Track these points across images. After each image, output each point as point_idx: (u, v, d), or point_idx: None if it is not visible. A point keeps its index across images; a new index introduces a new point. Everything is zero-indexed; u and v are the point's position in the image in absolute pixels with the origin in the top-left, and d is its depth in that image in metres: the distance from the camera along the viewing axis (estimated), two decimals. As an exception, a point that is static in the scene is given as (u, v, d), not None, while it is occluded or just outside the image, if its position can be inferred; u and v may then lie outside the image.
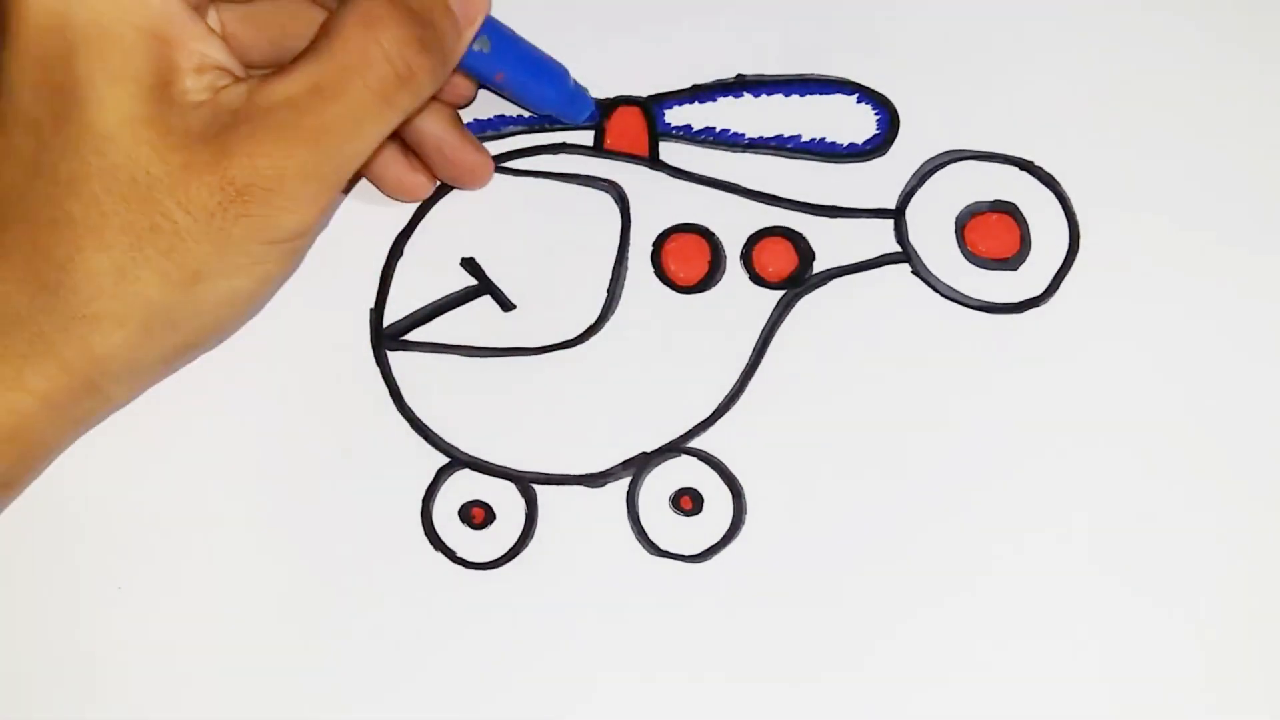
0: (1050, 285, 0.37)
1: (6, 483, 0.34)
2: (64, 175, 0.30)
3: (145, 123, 0.30)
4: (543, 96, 0.37)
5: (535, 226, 0.38)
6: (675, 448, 0.37)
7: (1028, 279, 0.37)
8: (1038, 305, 0.37)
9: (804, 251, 0.37)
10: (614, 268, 0.38)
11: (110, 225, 0.30)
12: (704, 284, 0.38)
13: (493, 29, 0.34)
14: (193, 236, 0.31)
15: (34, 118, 0.30)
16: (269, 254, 0.32)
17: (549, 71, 0.37)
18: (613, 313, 0.37)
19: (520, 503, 0.37)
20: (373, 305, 0.38)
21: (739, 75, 0.38)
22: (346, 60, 0.31)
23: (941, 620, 0.36)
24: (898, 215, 0.38)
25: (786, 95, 0.38)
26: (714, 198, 0.38)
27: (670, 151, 0.38)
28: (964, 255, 0.37)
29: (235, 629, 0.37)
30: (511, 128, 0.38)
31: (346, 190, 0.38)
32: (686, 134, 0.38)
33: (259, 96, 0.31)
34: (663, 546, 0.37)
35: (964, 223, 0.37)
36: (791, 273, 0.37)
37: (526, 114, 0.38)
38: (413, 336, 0.38)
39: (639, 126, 0.38)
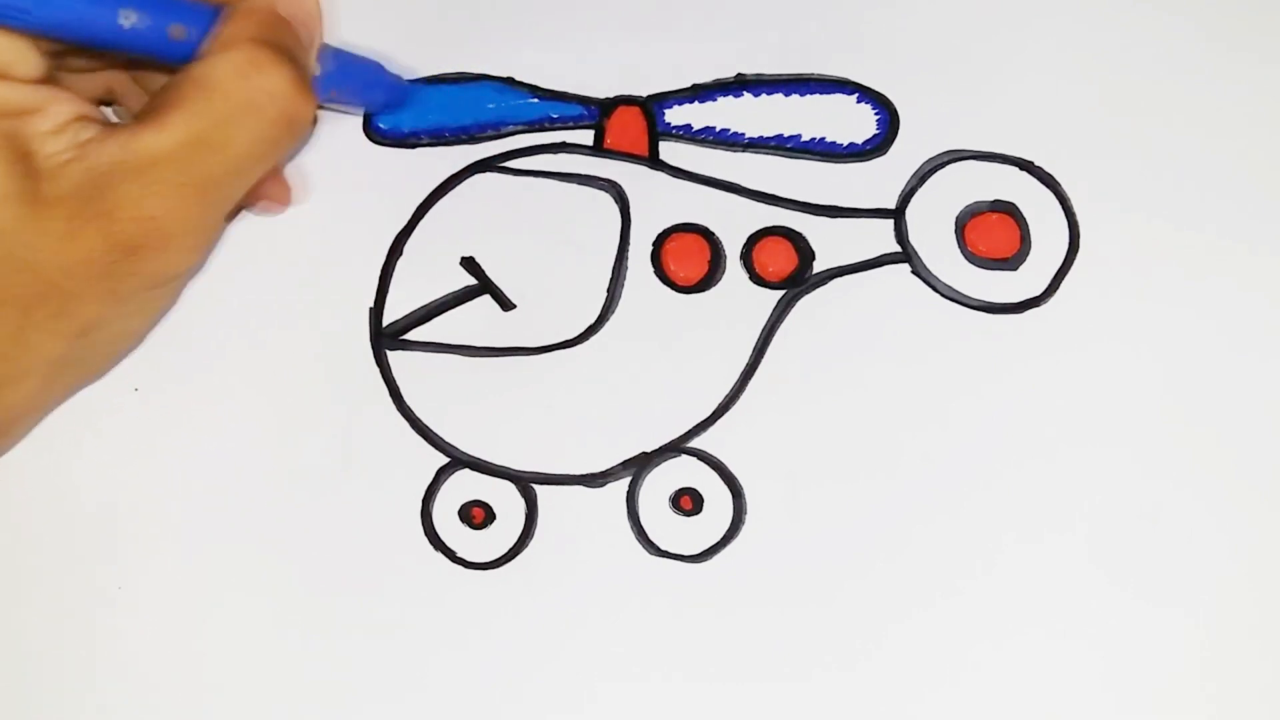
0: (1050, 285, 0.37)
1: None
2: None
3: (16, 200, 0.29)
4: (373, 98, 0.37)
5: (535, 226, 0.38)
6: (675, 448, 0.37)
7: (1028, 279, 0.37)
8: (1038, 305, 0.37)
9: (804, 251, 0.37)
10: (614, 267, 0.38)
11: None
12: (704, 284, 0.38)
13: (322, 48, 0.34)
14: (83, 297, 0.31)
15: None
16: (158, 296, 0.33)
17: (371, 72, 0.37)
18: (613, 313, 0.37)
19: (520, 503, 0.37)
20: (372, 304, 0.38)
21: (739, 75, 0.38)
22: (229, 110, 0.30)
23: (942, 620, 0.36)
24: (898, 215, 0.38)
25: (786, 95, 0.38)
26: (714, 197, 0.38)
27: (670, 151, 0.38)
28: (964, 255, 0.37)
29: (235, 629, 0.37)
30: (511, 127, 0.38)
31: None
32: (686, 134, 0.38)
33: (134, 151, 0.30)
34: (663, 546, 0.37)
35: (964, 223, 0.37)
36: (791, 272, 0.37)
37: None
38: (412, 336, 0.38)
39: (639, 126, 0.38)
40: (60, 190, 0.29)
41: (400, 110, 0.38)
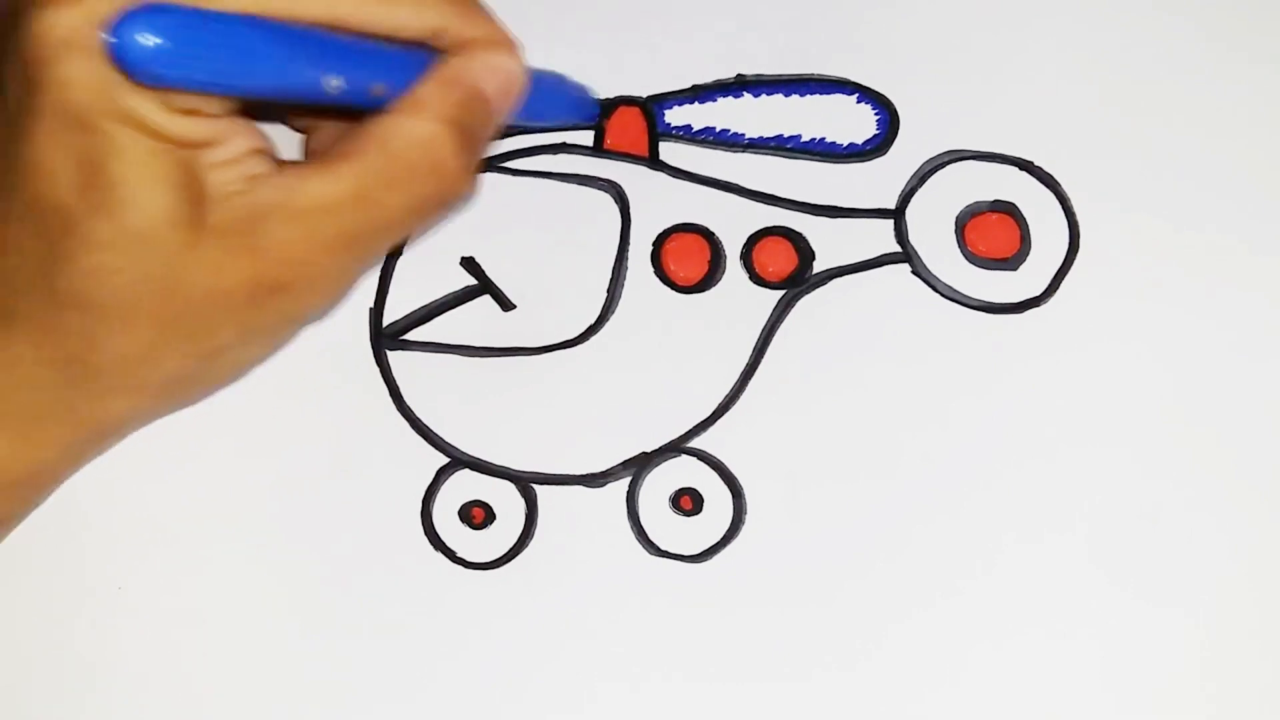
0: (1050, 285, 0.37)
1: (12, 518, 0.35)
2: (93, 264, 0.29)
3: (179, 223, 0.29)
4: (556, 115, 0.37)
5: (535, 226, 0.38)
6: (675, 448, 0.37)
7: (1028, 279, 0.37)
8: (1038, 305, 0.37)
9: (804, 251, 0.37)
10: (614, 267, 0.38)
11: (138, 314, 0.30)
12: (704, 284, 0.38)
13: None
14: (219, 324, 0.31)
15: (61, 205, 0.29)
16: (286, 332, 0.34)
17: (555, 89, 0.36)
18: (613, 313, 0.37)
19: (520, 503, 0.37)
20: (372, 304, 0.38)
21: (739, 75, 0.38)
22: (397, 176, 0.30)
23: (942, 620, 0.36)
24: (898, 215, 0.38)
25: (786, 95, 0.38)
26: (714, 197, 0.38)
27: (670, 151, 0.38)
28: (964, 255, 0.37)
29: (235, 629, 0.37)
30: (510, 126, 0.38)
31: None
32: (686, 134, 0.38)
33: (297, 195, 0.30)
34: (663, 546, 0.37)
35: (964, 223, 0.37)
36: (791, 272, 0.37)
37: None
38: (412, 336, 0.38)
39: (639, 126, 0.38)
40: (220, 221, 0.29)
41: (590, 118, 0.38)
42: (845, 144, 0.38)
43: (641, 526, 0.37)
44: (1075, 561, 0.36)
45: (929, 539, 0.36)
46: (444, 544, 0.37)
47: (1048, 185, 0.37)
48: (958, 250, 0.37)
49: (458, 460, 0.37)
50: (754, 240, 0.38)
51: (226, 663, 0.36)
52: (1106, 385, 0.37)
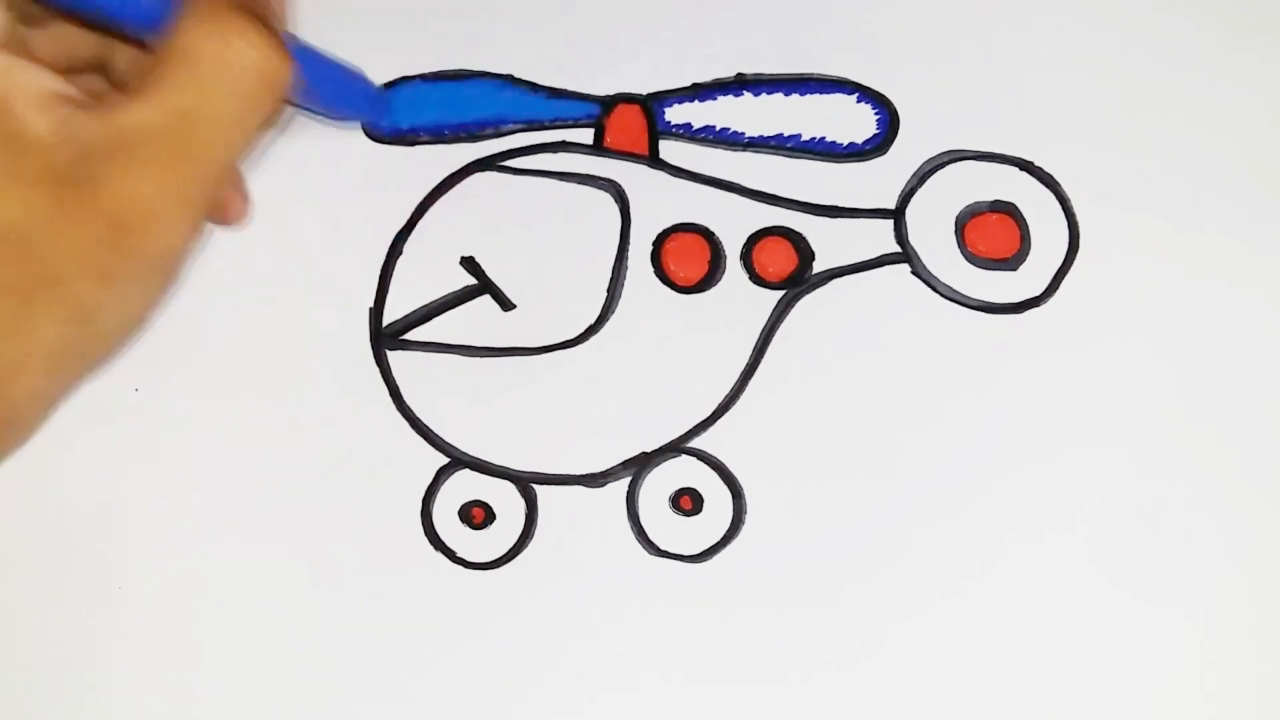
0: (1050, 285, 0.37)
1: None
2: None
3: (6, 183, 0.29)
4: (349, 102, 0.37)
5: (535, 226, 0.38)
6: (675, 448, 0.37)
7: (1027, 279, 0.37)
8: (1038, 305, 0.37)
9: (804, 251, 0.37)
10: (614, 267, 0.38)
11: None
12: (704, 284, 0.38)
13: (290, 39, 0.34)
14: (78, 279, 0.30)
15: None
16: (154, 277, 0.32)
17: (348, 74, 0.36)
18: (613, 313, 0.37)
19: (520, 503, 0.37)
20: (372, 304, 0.38)
21: (739, 75, 0.38)
22: (210, 78, 0.30)
23: (942, 620, 0.36)
24: (898, 215, 0.38)
25: (786, 95, 0.38)
26: (714, 197, 0.38)
27: (670, 150, 0.38)
28: (964, 255, 0.37)
29: (235, 629, 0.37)
30: (510, 125, 0.38)
31: None
32: (686, 132, 0.38)
33: (118, 126, 0.29)
34: (663, 546, 0.37)
35: (964, 223, 0.37)
36: (791, 273, 0.37)
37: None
38: (412, 336, 0.37)
39: (639, 125, 0.38)
40: (46, 170, 0.29)
41: (381, 121, 0.38)
42: (845, 144, 0.38)
43: (641, 526, 0.37)
44: (1075, 561, 0.36)
45: (929, 539, 0.36)
46: (444, 544, 0.37)
47: (1048, 185, 0.37)
48: (957, 250, 0.37)
49: (458, 460, 0.37)
50: (754, 240, 0.38)
51: (226, 662, 0.36)
52: (1106, 385, 0.37)
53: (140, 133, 0.30)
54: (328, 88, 0.36)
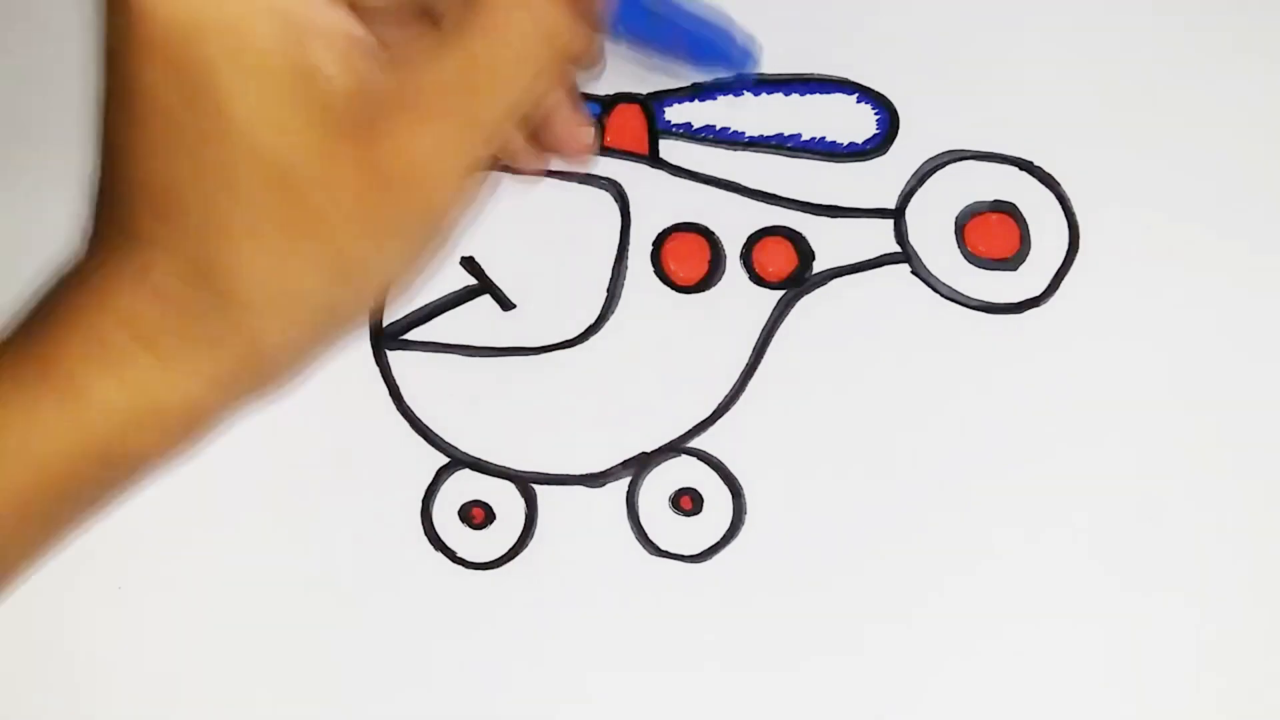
0: (1050, 285, 0.37)
1: (165, 454, 0.33)
2: (211, 170, 0.29)
3: (286, 115, 0.29)
4: (701, 54, 0.35)
5: (535, 226, 0.38)
6: (675, 448, 0.37)
7: (1028, 279, 0.37)
8: (1038, 305, 0.37)
9: (804, 251, 0.37)
10: (614, 267, 0.38)
11: (261, 218, 0.29)
12: (704, 284, 0.38)
13: None
14: (343, 225, 0.30)
15: (172, 114, 0.28)
16: (421, 235, 0.32)
17: (696, 21, 0.34)
18: (613, 313, 0.37)
19: (520, 503, 0.37)
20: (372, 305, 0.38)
21: (739, 75, 0.38)
22: (500, 38, 0.29)
23: (942, 620, 0.36)
24: (898, 215, 0.38)
25: (786, 95, 0.38)
26: (714, 197, 0.38)
27: (670, 149, 0.38)
28: (964, 255, 0.37)
29: (235, 629, 0.37)
30: None
31: None
32: (686, 132, 0.38)
33: (406, 79, 0.29)
34: (663, 546, 0.37)
35: (964, 223, 0.37)
36: (791, 273, 0.37)
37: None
38: (412, 336, 0.37)
39: (639, 124, 0.38)
40: (328, 112, 0.29)
41: (744, 67, 0.36)
42: (845, 144, 0.38)
43: (641, 526, 0.37)
44: (1075, 560, 0.36)
45: (929, 538, 0.36)
46: (444, 544, 0.37)
47: (1048, 185, 0.37)
48: (957, 250, 0.37)
49: (458, 460, 0.37)
50: (754, 240, 0.38)
51: (226, 662, 0.36)
52: (1106, 384, 0.37)
53: (423, 89, 0.29)
54: (671, 39, 0.34)
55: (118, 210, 0.30)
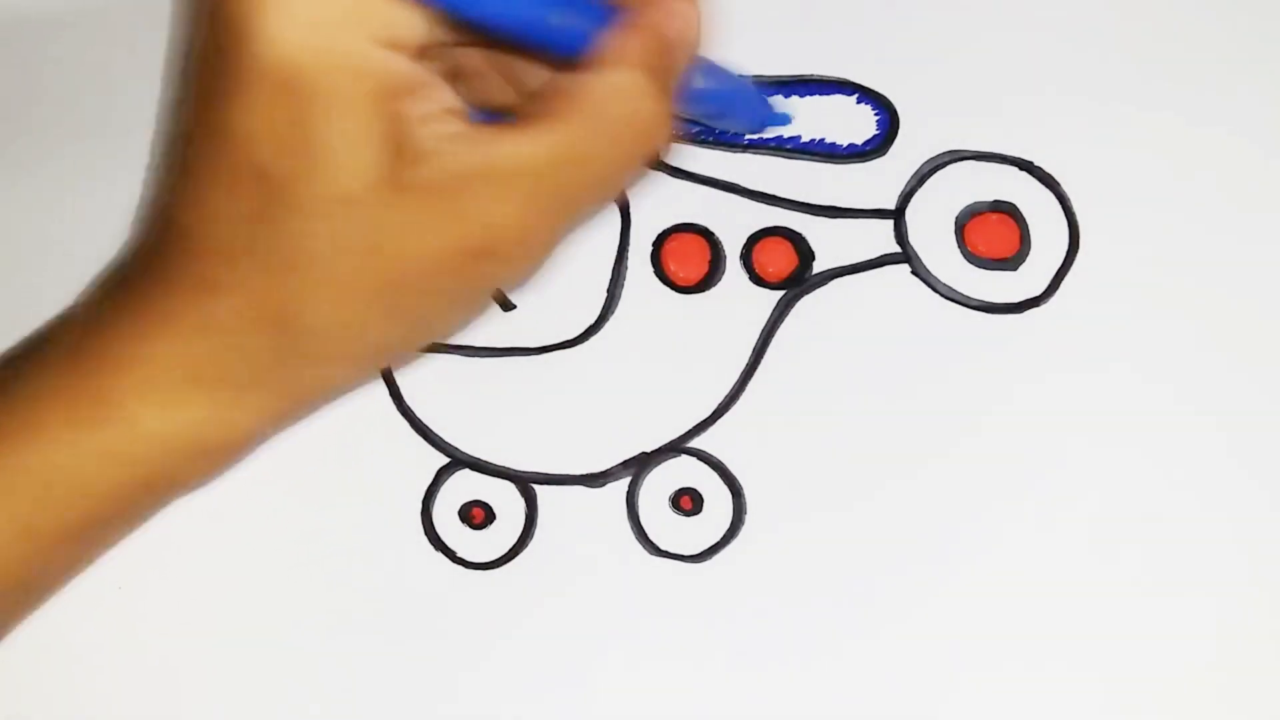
0: (1050, 285, 0.37)
1: (199, 484, 0.34)
2: (296, 229, 0.29)
3: (381, 183, 0.28)
4: (739, 117, 0.36)
5: (535, 226, 0.38)
6: (675, 448, 0.37)
7: (1028, 279, 0.37)
8: (1038, 305, 0.37)
9: (804, 251, 0.37)
10: (614, 268, 0.38)
11: (343, 279, 0.29)
12: (704, 284, 0.38)
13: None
14: (423, 291, 0.30)
15: (266, 170, 0.28)
16: (485, 299, 0.32)
17: (740, 90, 0.35)
18: (613, 313, 0.37)
19: (520, 503, 0.37)
20: (372, 305, 0.38)
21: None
22: (602, 134, 0.29)
23: (943, 620, 0.36)
24: (897, 215, 0.38)
25: (786, 95, 0.38)
26: (714, 197, 0.38)
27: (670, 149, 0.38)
28: (964, 255, 0.37)
29: (235, 629, 0.37)
30: None
31: None
32: (686, 132, 0.38)
33: (496, 155, 0.29)
34: (663, 546, 0.37)
35: (964, 223, 0.37)
36: (791, 273, 0.37)
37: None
38: (412, 336, 0.37)
39: (639, 125, 0.38)
40: (424, 182, 0.29)
41: (776, 124, 0.37)
42: (845, 144, 0.38)
43: (641, 526, 0.37)
44: (1077, 561, 0.36)
45: (929, 539, 0.36)
46: (444, 544, 0.37)
47: (1048, 185, 0.37)
48: (957, 250, 0.37)
49: (458, 460, 0.37)
50: (754, 240, 0.38)
51: (226, 662, 0.36)
52: (1106, 385, 0.37)
53: (515, 167, 0.29)
54: (725, 108, 0.35)
55: (183, 246, 0.30)
